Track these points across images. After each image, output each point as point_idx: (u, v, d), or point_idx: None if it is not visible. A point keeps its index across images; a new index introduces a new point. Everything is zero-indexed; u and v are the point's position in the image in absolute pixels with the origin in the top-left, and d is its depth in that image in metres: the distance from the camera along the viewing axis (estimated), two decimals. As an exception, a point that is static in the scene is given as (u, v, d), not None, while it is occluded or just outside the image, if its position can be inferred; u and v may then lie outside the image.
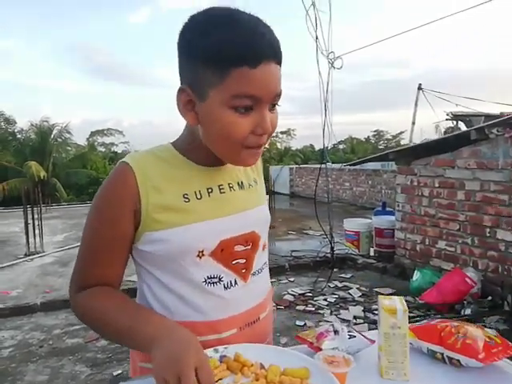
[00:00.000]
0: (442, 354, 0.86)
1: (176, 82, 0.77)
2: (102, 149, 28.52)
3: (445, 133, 14.15)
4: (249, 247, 0.86)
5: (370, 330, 3.09)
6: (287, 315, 3.93)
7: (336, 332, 0.88)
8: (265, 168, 13.96)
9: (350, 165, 8.57)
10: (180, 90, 0.75)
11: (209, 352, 0.74)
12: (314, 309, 4.06)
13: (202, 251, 0.80)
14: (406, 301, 0.86)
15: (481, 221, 4.06)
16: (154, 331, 0.69)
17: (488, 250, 4.01)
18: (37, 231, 6.47)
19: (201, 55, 0.70)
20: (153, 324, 0.71)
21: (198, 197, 0.81)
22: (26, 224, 6.27)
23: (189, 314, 0.80)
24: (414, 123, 12.04)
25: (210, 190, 0.82)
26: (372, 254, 5.61)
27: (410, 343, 0.85)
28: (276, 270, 5.15)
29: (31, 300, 4.28)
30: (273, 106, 0.75)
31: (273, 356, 0.76)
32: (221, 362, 0.75)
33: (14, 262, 5.83)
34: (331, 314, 3.92)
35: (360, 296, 4.35)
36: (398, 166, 5.12)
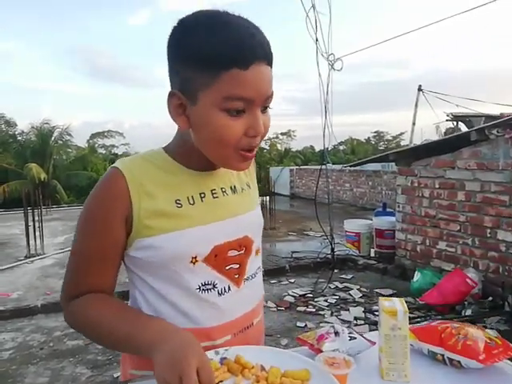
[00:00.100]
0: (443, 356, 0.85)
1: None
2: (103, 151, 28.63)
3: (445, 134, 14.17)
4: (242, 252, 0.85)
5: (370, 331, 3.07)
6: (288, 316, 3.92)
7: (336, 334, 0.88)
8: (265, 169, 13.96)
9: (351, 166, 8.57)
10: (170, 94, 0.73)
11: (209, 354, 0.74)
12: (314, 310, 4.05)
13: (196, 257, 0.78)
14: (407, 301, 0.86)
15: (481, 221, 4.06)
16: (154, 335, 0.69)
17: (488, 251, 4.01)
18: (37, 233, 6.46)
19: (191, 58, 0.69)
20: (153, 328, 0.70)
21: (191, 202, 0.79)
22: (27, 226, 6.26)
23: (182, 321, 0.79)
24: (414, 124, 12.03)
25: (202, 195, 0.81)
26: (372, 254, 5.60)
27: (411, 344, 0.85)
28: (276, 271, 5.16)
29: (32, 302, 4.27)
30: (264, 108, 0.74)
31: (273, 358, 0.76)
32: (221, 364, 0.75)
33: (15, 264, 5.82)
34: (332, 315, 3.92)
35: (360, 297, 4.35)
36: (398, 167, 5.12)
